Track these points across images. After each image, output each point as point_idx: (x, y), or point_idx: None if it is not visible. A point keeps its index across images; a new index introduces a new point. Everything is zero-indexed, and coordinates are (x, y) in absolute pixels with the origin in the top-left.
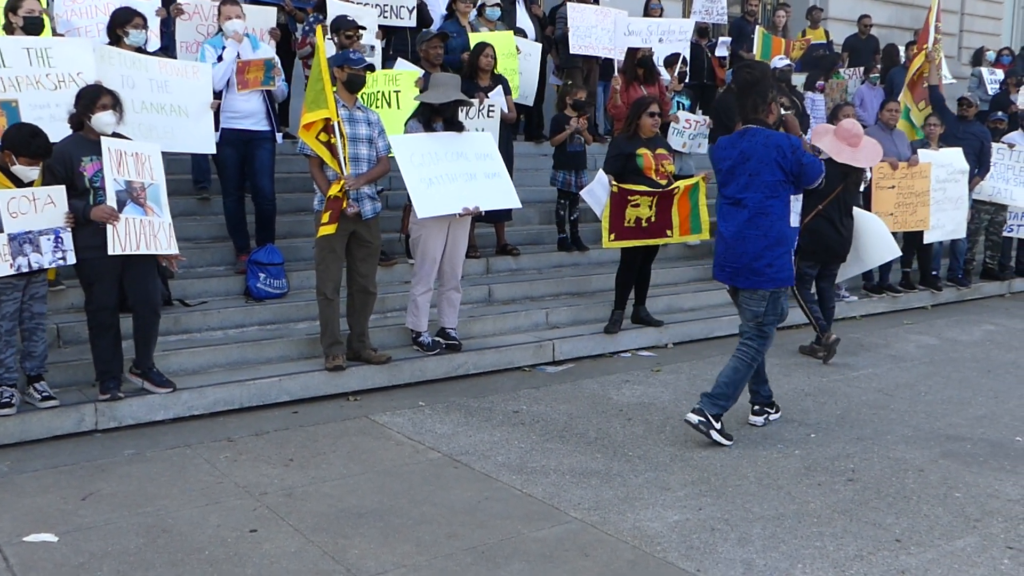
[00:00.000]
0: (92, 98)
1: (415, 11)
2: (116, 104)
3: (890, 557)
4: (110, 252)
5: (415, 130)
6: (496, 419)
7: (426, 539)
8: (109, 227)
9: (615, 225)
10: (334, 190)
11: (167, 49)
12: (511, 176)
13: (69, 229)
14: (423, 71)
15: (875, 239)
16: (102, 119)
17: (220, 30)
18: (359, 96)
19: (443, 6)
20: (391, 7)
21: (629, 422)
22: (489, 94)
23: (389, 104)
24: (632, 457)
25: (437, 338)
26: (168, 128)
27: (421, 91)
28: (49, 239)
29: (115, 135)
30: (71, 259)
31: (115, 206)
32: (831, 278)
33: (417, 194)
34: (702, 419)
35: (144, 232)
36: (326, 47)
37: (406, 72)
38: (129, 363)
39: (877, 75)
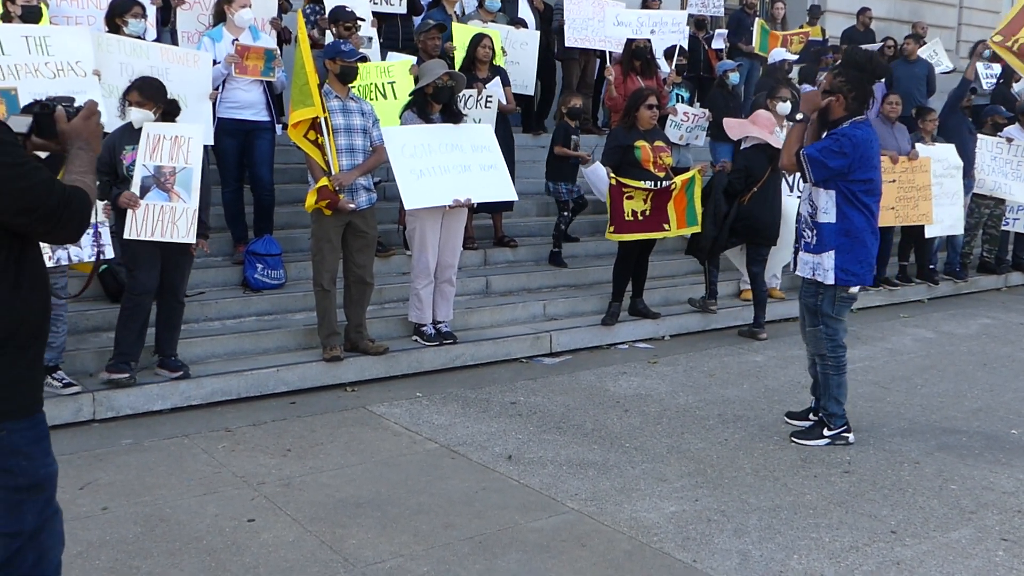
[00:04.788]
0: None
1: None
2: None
3: (885, 548)
4: (125, 236)
5: (411, 120)
6: (493, 410)
7: (423, 529)
8: (128, 212)
9: (616, 218)
10: (322, 183)
11: (160, 41)
12: (513, 169)
13: (107, 224)
14: (416, 59)
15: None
16: (132, 114)
17: (219, 21)
18: (353, 88)
19: None
20: None
21: (626, 413)
22: (487, 85)
23: (384, 96)
24: (629, 448)
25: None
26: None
27: (415, 79)
28: (88, 233)
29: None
30: (109, 253)
31: (138, 192)
32: (761, 262)
33: (405, 185)
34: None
35: (162, 219)
36: (326, 39)
37: (399, 62)
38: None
39: None
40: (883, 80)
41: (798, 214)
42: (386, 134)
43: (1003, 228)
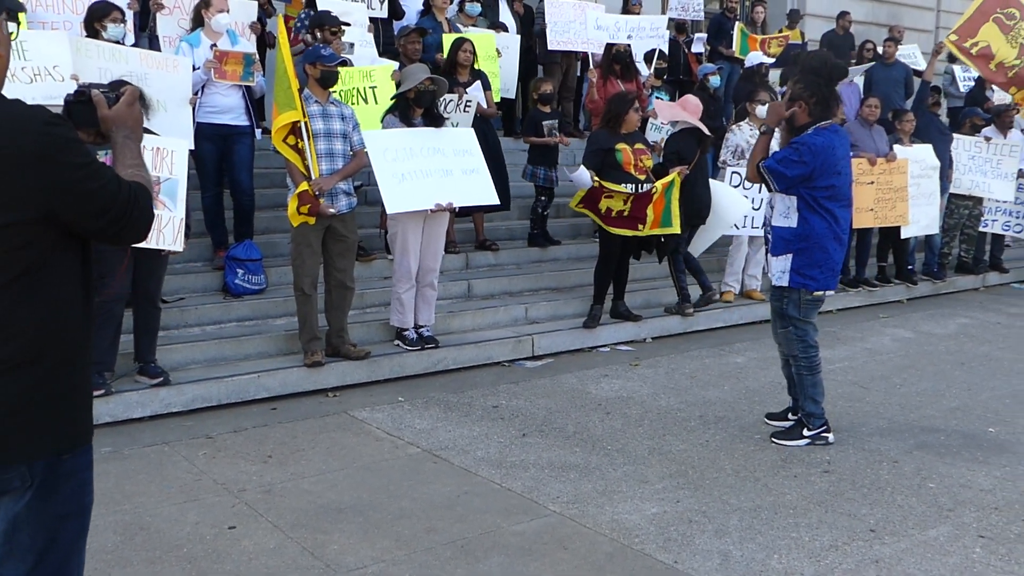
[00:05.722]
0: None
1: (386, 1)
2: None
3: (864, 547)
4: None
5: (392, 125)
6: (475, 414)
7: (405, 534)
8: None
9: (586, 201)
10: (301, 188)
11: (138, 46)
12: (506, 173)
13: None
14: (398, 64)
15: (727, 201)
16: None
17: (197, 26)
18: (335, 92)
19: (420, 1)
20: None
21: (608, 416)
22: (468, 89)
23: (366, 100)
24: (611, 451)
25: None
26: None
27: (397, 85)
28: None
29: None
30: None
31: None
32: (688, 242)
33: (387, 189)
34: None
35: None
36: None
37: (381, 67)
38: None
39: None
40: (857, 83)
41: (765, 218)
42: (368, 138)
43: (980, 229)
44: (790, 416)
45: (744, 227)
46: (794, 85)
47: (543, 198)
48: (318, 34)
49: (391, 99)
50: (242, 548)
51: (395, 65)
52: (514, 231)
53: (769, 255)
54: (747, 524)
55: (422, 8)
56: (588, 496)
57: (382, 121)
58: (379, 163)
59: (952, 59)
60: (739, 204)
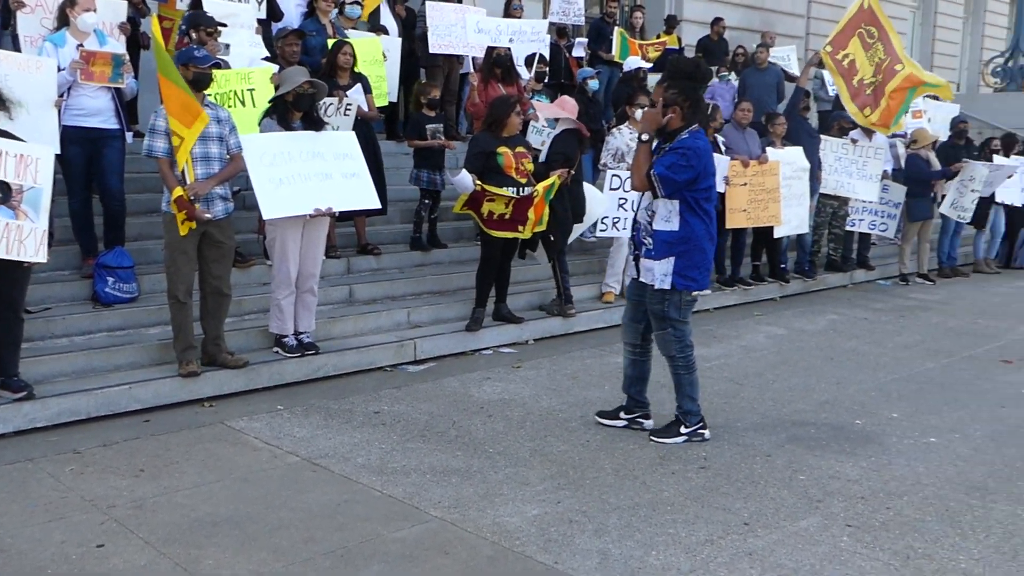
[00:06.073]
0: None
1: (264, 2)
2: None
3: (738, 540)
4: None
5: (270, 128)
6: (356, 420)
7: (283, 545)
8: None
9: (469, 204)
10: (177, 194)
11: None
12: (384, 177)
13: None
14: (278, 67)
15: (593, 201)
16: None
17: (63, 25)
18: (211, 95)
19: (304, 3)
20: None
21: (490, 419)
22: (348, 92)
23: (244, 103)
24: (492, 454)
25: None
26: (6, 125)
27: (276, 88)
28: None
29: (5, 133)
30: None
31: None
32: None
33: (264, 194)
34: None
35: (7, 236)
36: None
37: (259, 69)
38: None
39: (727, 74)
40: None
41: (635, 222)
42: (245, 142)
43: (848, 228)
44: (622, 415)
45: (607, 230)
46: (667, 91)
47: (427, 201)
48: (193, 35)
49: (269, 102)
50: (111, 566)
51: (274, 68)
52: (396, 235)
53: (646, 259)
54: (626, 522)
55: (305, 10)
56: (469, 500)
57: (259, 124)
58: (256, 167)
59: (822, 64)
60: (602, 205)
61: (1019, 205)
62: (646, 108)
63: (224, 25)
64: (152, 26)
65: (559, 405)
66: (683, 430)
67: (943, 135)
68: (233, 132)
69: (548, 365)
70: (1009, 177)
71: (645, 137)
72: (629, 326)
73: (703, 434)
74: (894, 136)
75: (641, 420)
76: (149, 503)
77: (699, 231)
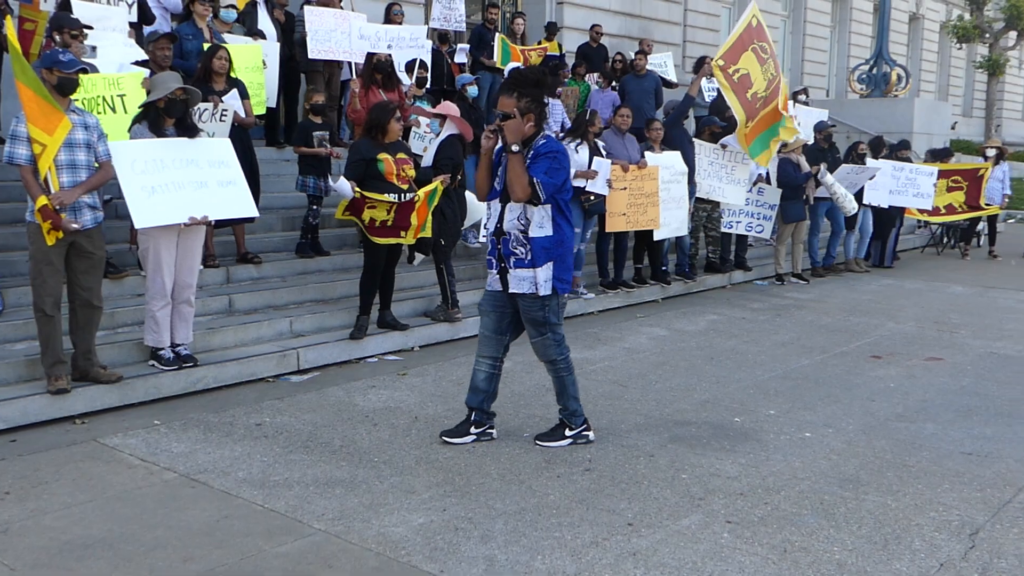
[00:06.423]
0: None
1: (135, 5)
2: None
3: (623, 541)
4: None
5: (141, 135)
6: (237, 433)
7: (159, 566)
8: None
9: (351, 210)
10: (41, 203)
11: None
12: (259, 183)
13: None
14: (149, 71)
15: (472, 203)
16: None
17: None
18: (78, 100)
19: (180, 6)
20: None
21: (375, 428)
22: (224, 98)
23: (114, 109)
24: (377, 463)
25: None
26: None
27: (148, 93)
28: None
29: None
30: None
31: None
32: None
33: (136, 203)
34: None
35: None
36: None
37: (130, 74)
38: None
39: (600, 80)
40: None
41: (504, 232)
42: (114, 149)
43: (726, 230)
44: (472, 430)
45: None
46: (520, 100)
47: (315, 207)
48: (57, 37)
49: (139, 107)
50: None
51: (145, 72)
52: (278, 243)
53: (519, 269)
54: (512, 527)
55: (182, 13)
56: (354, 511)
57: (130, 131)
58: (126, 175)
59: (697, 70)
60: (481, 209)
61: (886, 207)
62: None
63: (90, 28)
64: (7, 28)
65: (445, 412)
66: (568, 432)
67: (812, 139)
68: (102, 139)
69: (434, 372)
70: (871, 179)
71: (516, 148)
72: (492, 339)
73: (587, 436)
74: None
75: (490, 432)
76: (15, 527)
77: (568, 233)
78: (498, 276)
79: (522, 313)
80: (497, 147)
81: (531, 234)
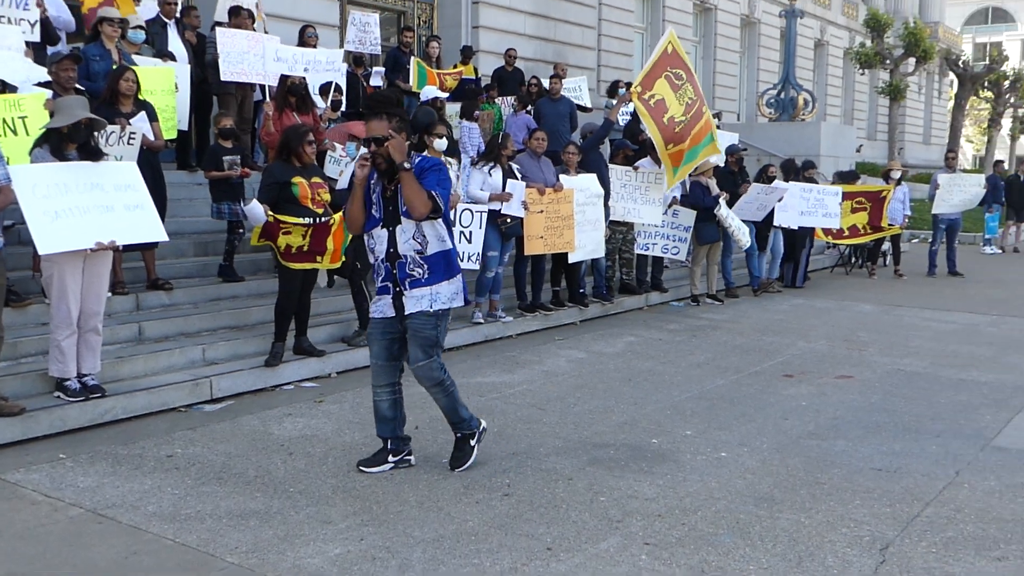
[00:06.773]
0: None
1: (38, 24)
2: None
3: (542, 566)
4: None
5: (42, 159)
6: (147, 466)
7: None
8: None
9: (265, 236)
10: None
11: None
12: (167, 207)
13: None
14: (52, 93)
15: None
16: None
17: None
18: None
19: (73, 24)
20: (9, 18)
21: (291, 457)
22: (132, 120)
23: (15, 132)
24: (293, 493)
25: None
26: None
27: (52, 115)
28: None
29: None
30: None
31: None
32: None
33: (39, 228)
34: None
35: None
36: None
37: (32, 95)
38: None
39: (516, 104)
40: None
41: (400, 256)
42: (14, 173)
43: (641, 252)
44: (390, 459)
45: None
46: (391, 121)
47: (241, 231)
48: None
49: (40, 129)
50: None
51: (47, 93)
52: (190, 268)
53: (417, 289)
54: (430, 555)
55: (90, 34)
56: (268, 543)
57: (30, 154)
58: (28, 200)
59: (612, 94)
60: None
61: (796, 228)
62: (443, 137)
63: None
64: None
65: (363, 439)
66: (473, 442)
67: (722, 162)
68: (1, 162)
69: (352, 398)
70: (780, 200)
71: (408, 164)
72: (386, 367)
73: (478, 434)
74: None
75: (408, 458)
76: None
77: (455, 247)
78: (391, 301)
79: (412, 334)
80: (371, 175)
81: (429, 251)
